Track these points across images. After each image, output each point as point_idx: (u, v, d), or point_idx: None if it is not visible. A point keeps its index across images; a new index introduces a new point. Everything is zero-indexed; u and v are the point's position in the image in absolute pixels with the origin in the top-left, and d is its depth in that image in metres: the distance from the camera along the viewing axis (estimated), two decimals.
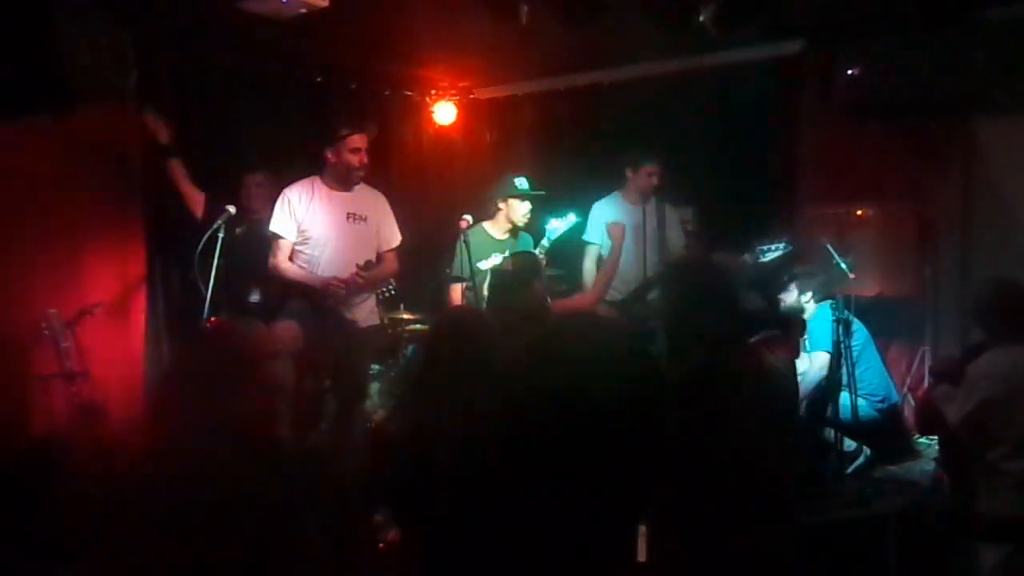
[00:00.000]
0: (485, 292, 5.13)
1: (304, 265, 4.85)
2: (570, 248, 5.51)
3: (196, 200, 5.15)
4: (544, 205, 5.41)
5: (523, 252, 4.99)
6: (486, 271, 5.17)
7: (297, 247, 4.85)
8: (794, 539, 2.66)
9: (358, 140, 4.77)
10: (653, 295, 4.96)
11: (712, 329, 2.60)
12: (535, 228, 5.35)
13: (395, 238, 5.04)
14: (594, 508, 1.26)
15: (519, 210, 5.32)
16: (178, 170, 5.12)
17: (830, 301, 4.92)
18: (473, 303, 5.11)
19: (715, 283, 2.72)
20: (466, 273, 5.06)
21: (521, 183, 5.31)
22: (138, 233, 5.23)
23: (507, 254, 5.29)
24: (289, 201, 4.82)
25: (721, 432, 2.41)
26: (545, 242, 5.12)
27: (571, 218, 5.22)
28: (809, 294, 5.24)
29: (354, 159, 4.76)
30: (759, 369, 2.63)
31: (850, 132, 5.54)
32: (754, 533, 2.45)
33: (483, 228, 5.34)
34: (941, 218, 5.52)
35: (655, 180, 5.50)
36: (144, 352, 5.19)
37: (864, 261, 5.15)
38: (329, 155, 4.78)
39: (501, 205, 5.36)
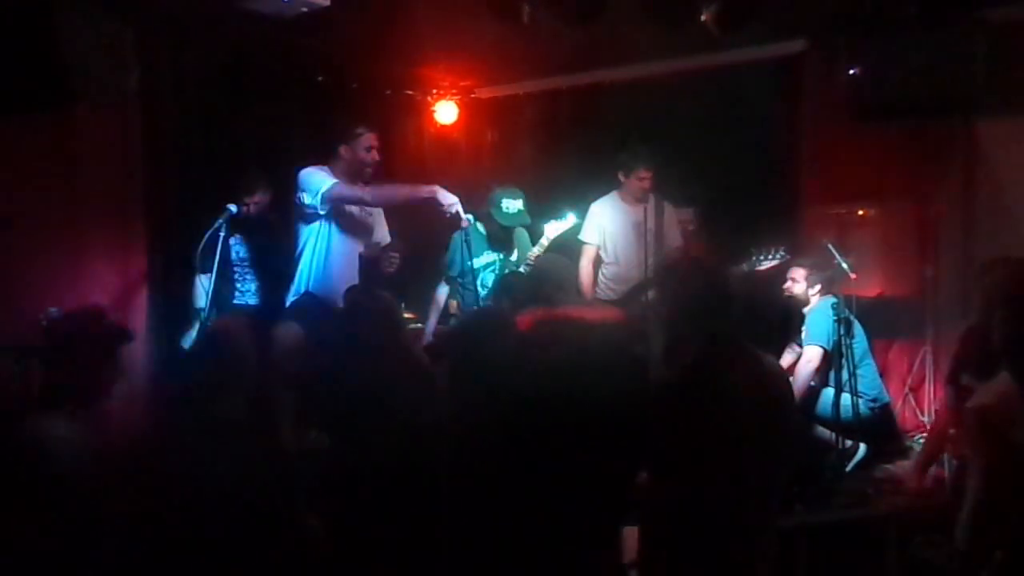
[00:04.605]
0: (479, 290, 5.14)
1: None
2: (569, 248, 5.49)
3: None
4: (542, 205, 5.38)
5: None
6: (479, 268, 5.18)
7: None
8: (783, 543, 2.64)
9: (372, 138, 4.86)
10: (648, 295, 4.96)
11: (705, 330, 2.59)
12: (533, 225, 5.32)
13: (385, 240, 5.08)
14: (581, 505, 1.27)
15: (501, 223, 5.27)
16: None
17: (832, 300, 4.92)
18: (471, 301, 5.12)
19: (709, 284, 2.70)
20: (465, 269, 5.07)
21: (508, 204, 5.20)
22: (139, 232, 5.23)
23: (500, 255, 5.29)
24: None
25: (710, 434, 2.40)
26: (544, 241, 5.10)
27: (571, 219, 5.20)
28: (817, 287, 5.23)
29: (368, 156, 4.85)
30: (753, 372, 2.61)
31: (851, 132, 5.54)
32: (744, 536, 2.44)
33: (475, 226, 5.32)
34: (942, 218, 5.52)
35: (647, 184, 5.51)
36: (144, 351, 5.19)
37: (865, 261, 5.14)
38: (343, 151, 4.84)
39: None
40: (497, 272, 5.30)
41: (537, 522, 1.28)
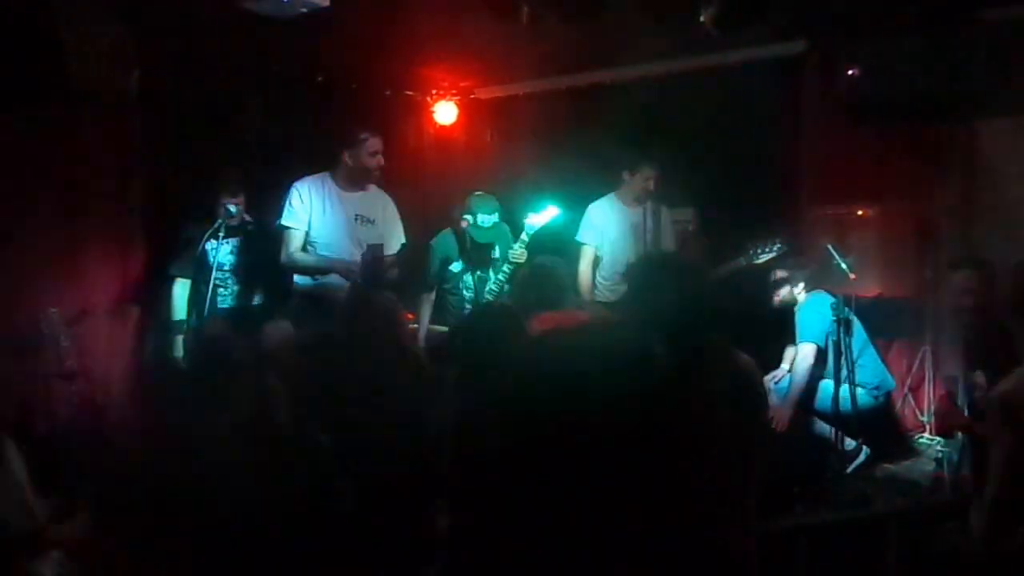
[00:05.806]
0: (464, 292, 5.11)
1: None
2: (553, 242, 5.38)
3: None
4: (526, 199, 5.32)
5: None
6: (458, 271, 5.14)
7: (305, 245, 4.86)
8: (783, 543, 2.63)
9: (376, 143, 4.82)
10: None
11: (678, 328, 2.57)
12: (514, 220, 5.26)
13: (397, 243, 5.03)
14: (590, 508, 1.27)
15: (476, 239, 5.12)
16: None
17: (824, 296, 4.91)
18: (457, 305, 5.10)
19: (682, 281, 2.67)
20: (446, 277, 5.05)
21: (483, 219, 5.04)
22: (138, 232, 5.23)
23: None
24: (299, 196, 4.82)
25: (679, 434, 2.38)
26: (524, 236, 5.00)
27: (551, 210, 4.98)
28: (801, 285, 5.22)
29: (372, 161, 4.81)
30: (725, 371, 2.58)
31: (851, 132, 5.54)
32: (719, 537, 2.43)
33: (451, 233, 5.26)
34: (942, 219, 5.51)
35: (651, 185, 5.47)
36: (144, 351, 5.20)
37: (865, 262, 5.14)
38: (346, 157, 4.80)
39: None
40: (479, 275, 5.22)
41: (542, 523, 1.28)
